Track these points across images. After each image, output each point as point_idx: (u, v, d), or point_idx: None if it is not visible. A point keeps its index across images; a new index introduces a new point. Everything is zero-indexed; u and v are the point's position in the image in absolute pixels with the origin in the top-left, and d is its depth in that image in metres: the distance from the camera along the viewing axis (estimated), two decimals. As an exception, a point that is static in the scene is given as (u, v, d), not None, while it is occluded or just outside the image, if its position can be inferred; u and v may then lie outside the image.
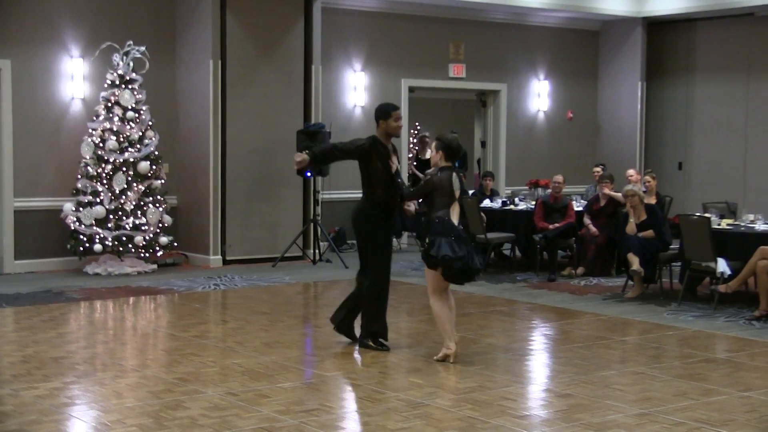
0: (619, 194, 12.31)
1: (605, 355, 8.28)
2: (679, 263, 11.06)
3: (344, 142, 8.44)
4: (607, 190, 12.81)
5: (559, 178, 13.01)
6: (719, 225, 10.78)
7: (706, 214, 10.91)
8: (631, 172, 13.82)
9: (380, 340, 8.25)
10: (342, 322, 8.50)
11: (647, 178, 12.60)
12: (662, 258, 11.05)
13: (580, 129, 18.05)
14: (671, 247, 11.14)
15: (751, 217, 11.08)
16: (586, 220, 12.86)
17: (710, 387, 7.13)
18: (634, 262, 10.86)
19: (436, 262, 7.60)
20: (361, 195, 8.27)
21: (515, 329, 9.50)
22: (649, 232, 11.08)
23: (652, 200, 11.83)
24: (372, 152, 8.07)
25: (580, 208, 13.21)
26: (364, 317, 8.30)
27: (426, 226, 7.84)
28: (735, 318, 9.84)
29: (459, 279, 7.77)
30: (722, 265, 10.11)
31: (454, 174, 7.78)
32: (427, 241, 7.70)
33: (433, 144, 7.87)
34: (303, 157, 8.23)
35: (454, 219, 7.72)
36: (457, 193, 7.76)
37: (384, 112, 8.15)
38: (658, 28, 17.65)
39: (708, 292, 10.99)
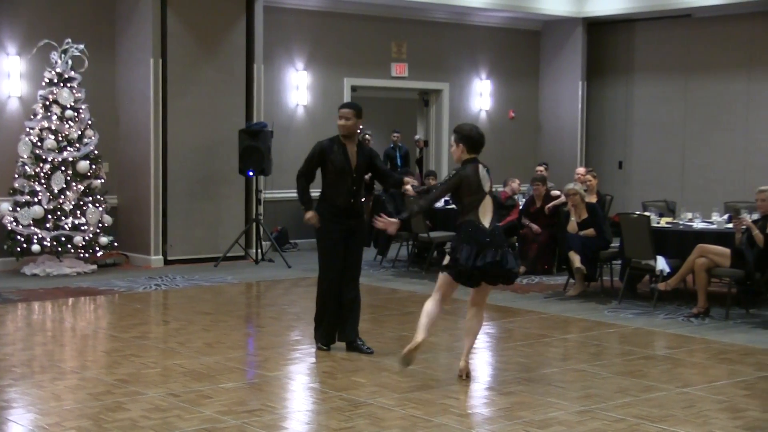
0: (558, 192, 12.40)
1: (547, 352, 8.34)
2: (619, 261, 11.17)
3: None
4: (540, 194, 12.93)
5: (517, 181, 13.43)
6: (658, 223, 10.90)
7: (646, 213, 11.05)
8: (580, 170, 13.88)
9: (319, 344, 8.20)
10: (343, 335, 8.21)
11: (588, 176, 12.71)
12: (603, 256, 11.16)
13: (521, 128, 18.16)
14: (612, 245, 11.26)
15: (690, 215, 11.22)
16: (525, 221, 12.94)
17: (650, 383, 7.21)
18: (576, 260, 10.95)
19: (447, 268, 7.15)
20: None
21: (458, 327, 9.51)
22: (590, 231, 11.18)
23: (593, 199, 11.93)
24: (324, 153, 7.95)
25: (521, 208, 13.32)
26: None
27: (455, 231, 7.21)
28: (674, 315, 9.96)
29: (471, 281, 7.15)
30: (661, 263, 10.24)
31: (481, 166, 7.12)
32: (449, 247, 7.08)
33: (452, 138, 7.21)
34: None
35: (486, 220, 7.04)
36: (487, 187, 7.08)
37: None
38: (598, 28, 17.82)
39: (648, 289, 11.13)
